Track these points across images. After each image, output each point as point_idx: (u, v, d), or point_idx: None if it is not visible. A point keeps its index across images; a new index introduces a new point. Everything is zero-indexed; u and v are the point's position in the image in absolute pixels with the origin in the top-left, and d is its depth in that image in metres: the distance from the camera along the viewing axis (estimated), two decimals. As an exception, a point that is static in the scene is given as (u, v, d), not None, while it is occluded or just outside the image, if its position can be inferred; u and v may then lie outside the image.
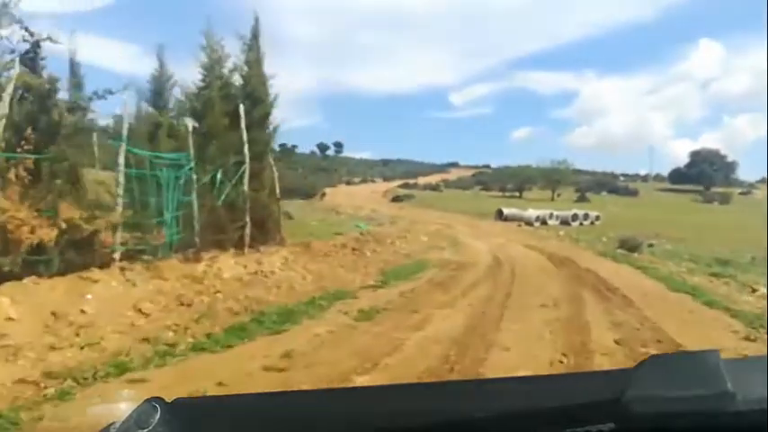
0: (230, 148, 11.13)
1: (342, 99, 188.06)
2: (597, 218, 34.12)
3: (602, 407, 0.65)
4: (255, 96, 11.91)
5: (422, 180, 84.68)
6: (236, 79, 12.06)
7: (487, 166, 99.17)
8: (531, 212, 32.51)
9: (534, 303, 8.73)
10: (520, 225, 29.17)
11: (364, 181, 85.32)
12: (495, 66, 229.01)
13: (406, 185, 72.67)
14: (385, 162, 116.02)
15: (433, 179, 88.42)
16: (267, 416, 0.77)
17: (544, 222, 30.79)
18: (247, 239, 11.08)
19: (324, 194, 57.03)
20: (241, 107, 11.25)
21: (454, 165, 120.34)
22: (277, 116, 12.45)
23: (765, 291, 10.15)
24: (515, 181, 70.55)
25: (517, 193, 66.56)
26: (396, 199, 53.56)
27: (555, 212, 33.06)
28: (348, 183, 79.92)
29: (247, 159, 11.23)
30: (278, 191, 12.90)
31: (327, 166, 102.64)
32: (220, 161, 10.87)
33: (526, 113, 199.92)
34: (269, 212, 12.30)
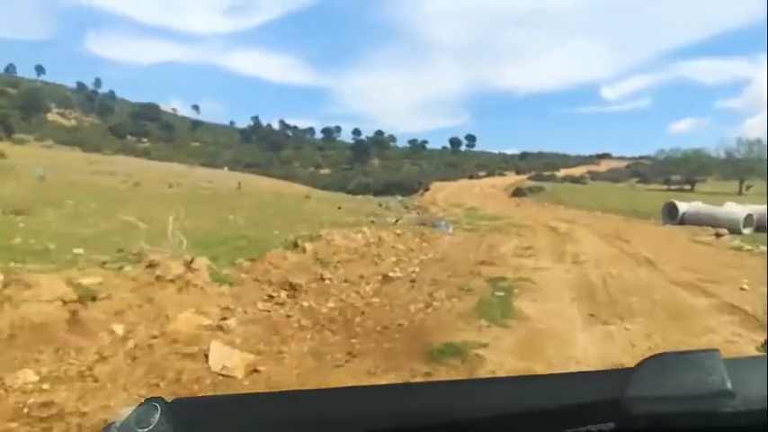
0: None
1: (488, 98, 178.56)
2: None
3: (602, 407, 0.65)
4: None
5: (563, 172, 72.28)
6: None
7: (646, 158, 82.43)
8: (736, 209, 18.17)
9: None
10: (719, 236, 15.22)
11: (490, 174, 74.05)
12: (652, 57, 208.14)
13: (538, 177, 59.40)
14: (523, 155, 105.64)
15: (578, 171, 75.46)
16: (267, 416, 0.76)
17: (761, 228, 16.76)
18: None
19: (426, 189, 47.46)
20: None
21: (605, 156, 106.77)
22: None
23: None
24: (685, 170, 54.47)
25: (687, 186, 50.85)
26: (517, 193, 40.84)
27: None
28: (471, 177, 69.66)
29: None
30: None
31: (456, 161, 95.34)
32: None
33: (688, 105, 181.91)
34: None
